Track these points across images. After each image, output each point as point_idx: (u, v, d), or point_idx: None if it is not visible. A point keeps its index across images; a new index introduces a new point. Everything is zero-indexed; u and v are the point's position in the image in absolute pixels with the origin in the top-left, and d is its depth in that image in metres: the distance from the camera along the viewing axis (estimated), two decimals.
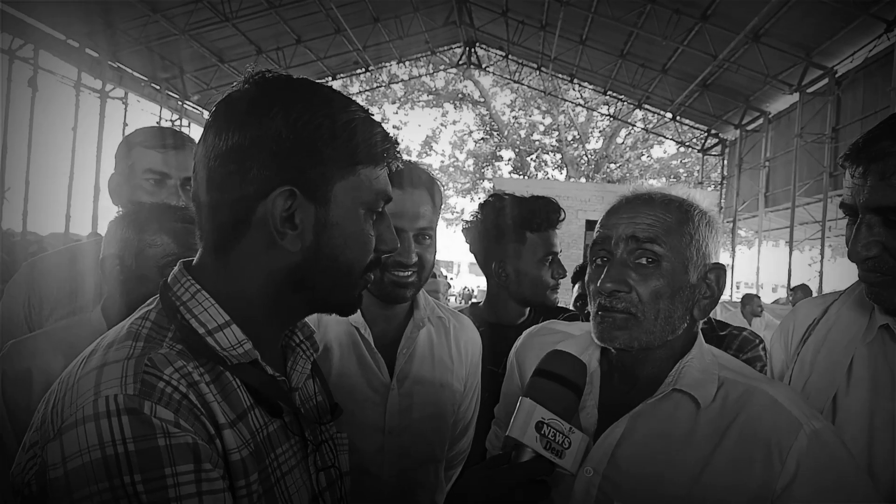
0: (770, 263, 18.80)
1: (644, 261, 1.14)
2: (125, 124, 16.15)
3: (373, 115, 0.95)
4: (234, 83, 0.92)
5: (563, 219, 2.16)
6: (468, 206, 27.86)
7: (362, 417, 1.60)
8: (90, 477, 0.70)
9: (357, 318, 1.66)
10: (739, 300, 8.73)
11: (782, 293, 15.72)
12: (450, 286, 14.62)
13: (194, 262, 0.94)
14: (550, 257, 2.14)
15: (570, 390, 1.07)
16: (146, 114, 17.45)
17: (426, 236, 1.62)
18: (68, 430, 0.72)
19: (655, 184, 26.72)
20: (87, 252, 1.87)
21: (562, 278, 2.14)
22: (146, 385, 0.75)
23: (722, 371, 1.17)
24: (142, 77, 16.27)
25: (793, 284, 12.50)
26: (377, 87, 25.46)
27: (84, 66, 14.21)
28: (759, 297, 8.77)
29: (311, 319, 1.65)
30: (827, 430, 1.07)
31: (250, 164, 0.86)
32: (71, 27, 13.14)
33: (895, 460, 1.26)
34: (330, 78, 19.86)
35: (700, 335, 1.21)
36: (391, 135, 0.96)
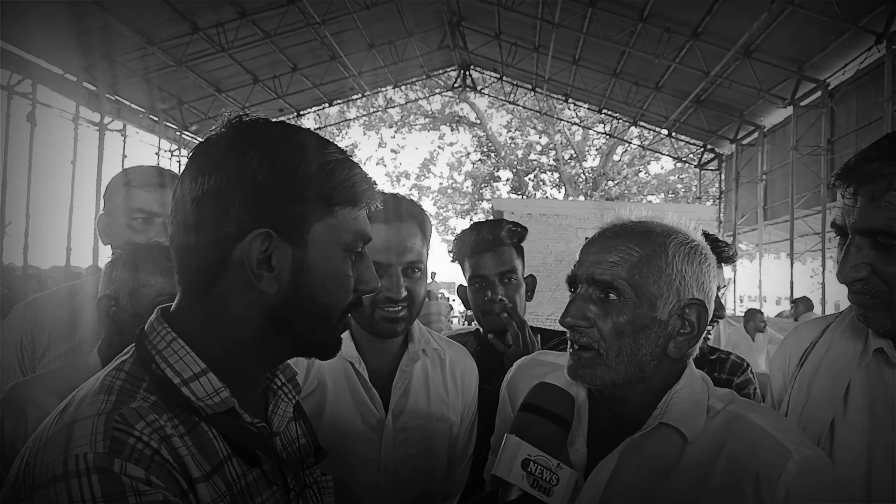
0: (772, 276, 18.77)
1: (605, 296, 1.11)
2: (124, 156, 16.24)
3: (351, 156, 0.95)
4: (213, 128, 0.93)
5: (496, 243, 2.06)
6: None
7: (357, 453, 1.58)
8: None
9: (351, 352, 1.65)
10: (743, 315, 8.67)
11: (786, 305, 15.66)
12: (451, 308, 14.57)
13: (172, 307, 0.93)
14: (479, 282, 2.08)
15: (557, 424, 1.05)
16: (145, 145, 17.54)
17: (415, 269, 1.61)
18: (39, 490, 0.71)
19: (655, 200, 26.87)
20: (79, 292, 1.87)
21: (494, 302, 2.03)
22: (116, 442, 0.74)
23: (710, 400, 1.15)
24: (140, 109, 16.37)
25: (795, 297, 12.46)
26: (374, 111, 25.63)
27: (82, 100, 14.32)
28: (762, 313, 8.71)
29: None
30: (817, 458, 1.05)
31: (227, 206, 0.85)
32: (68, 61, 13.26)
33: (893, 488, 1.24)
34: (327, 104, 20.02)
35: (690, 365, 1.19)
36: (369, 176, 0.96)
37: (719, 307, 1.84)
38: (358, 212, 0.94)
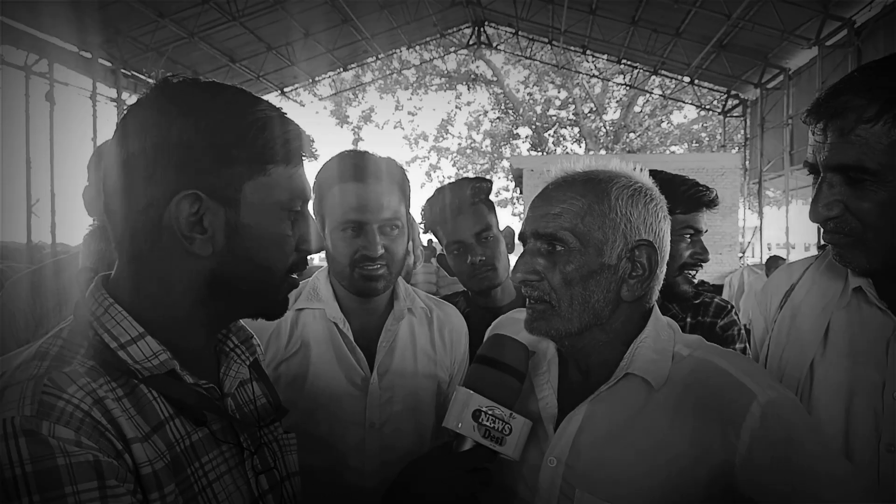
0: (801, 223, 18.40)
1: (552, 248, 1.11)
2: None
3: (285, 113, 0.94)
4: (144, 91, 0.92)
5: (464, 204, 2.02)
6: None
7: (342, 412, 1.61)
8: None
9: (335, 312, 1.66)
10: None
11: (814, 252, 15.36)
12: None
13: (112, 275, 0.94)
14: (457, 247, 2.06)
15: (510, 375, 1.05)
16: None
17: (392, 227, 1.60)
18: None
19: (678, 150, 26.37)
20: (67, 266, 1.90)
21: (475, 264, 2.02)
22: (44, 405, 0.75)
23: (676, 346, 1.14)
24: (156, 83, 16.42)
25: (823, 243, 12.22)
26: (389, 74, 25.39)
27: (98, 77, 14.40)
28: (784, 260, 8.58)
29: (289, 317, 1.66)
30: (783, 399, 1.04)
31: (153, 169, 0.85)
32: (82, 38, 13.31)
33: (872, 427, 1.22)
34: (341, 69, 19.85)
35: (655, 312, 1.18)
36: (305, 133, 0.95)
37: (703, 251, 1.82)
38: (293, 169, 0.93)
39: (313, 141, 0.96)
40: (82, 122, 14.67)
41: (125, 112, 0.91)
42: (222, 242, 0.89)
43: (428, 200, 2.14)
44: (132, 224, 0.88)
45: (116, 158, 0.87)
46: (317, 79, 19.89)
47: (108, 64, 14.54)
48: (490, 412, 1.01)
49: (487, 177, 27.77)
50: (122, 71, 14.88)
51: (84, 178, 1.98)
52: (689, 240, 1.79)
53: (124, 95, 15.20)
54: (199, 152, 0.85)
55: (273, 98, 18.29)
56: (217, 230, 0.88)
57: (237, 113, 0.88)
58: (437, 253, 2.23)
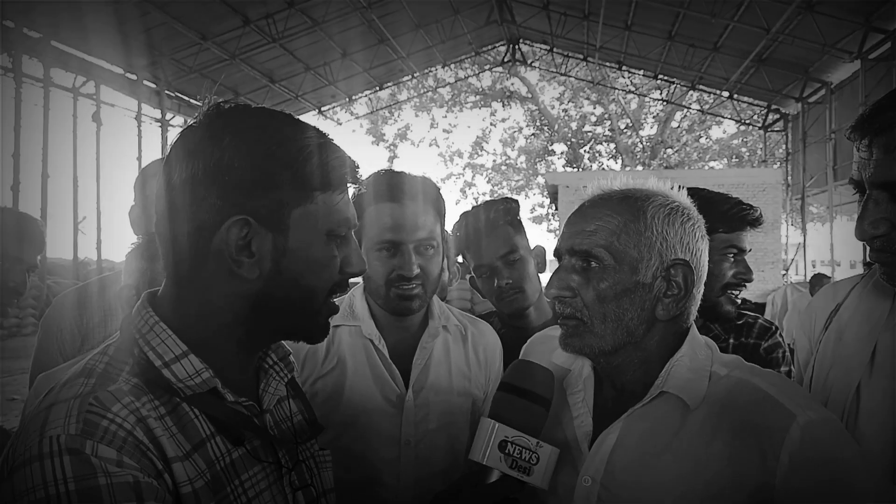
0: (845, 239, 17.94)
1: (586, 265, 1.10)
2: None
3: (332, 139, 0.95)
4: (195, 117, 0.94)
5: (489, 228, 2.01)
6: (523, 203, 27.71)
7: (377, 429, 1.61)
8: None
9: (371, 330, 1.67)
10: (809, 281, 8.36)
11: (860, 269, 14.96)
12: None
13: (158, 293, 0.96)
14: (485, 271, 2.04)
15: (536, 403, 1.04)
16: None
17: (428, 247, 1.61)
18: (18, 470, 0.75)
19: (717, 166, 25.97)
20: (112, 284, 1.95)
21: (502, 288, 2.00)
22: (88, 424, 0.77)
23: (714, 366, 1.12)
24: (198, 104, 16.85)
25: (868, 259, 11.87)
26: (425, 92, 25.61)
27: (143, 98, 14.85)
28: (829, 278, 8.38)
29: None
30: (824, 421, 1.00)
31: (204, 194, 0.87)
32: (128, 60, 13.76)
33: None
34: (378, 88, 20.12)
35: (692, 332, 1.16)
36: (351, 159, 0.96)
37: (746, 270, 1.77)
38: (339, 196, 0.94)
39: (359, 167, 0.97)
40: (128, 141, 15.19)
41: (177, 137, 0.93)
42: (269, 266, 0.90)
43: (455, 224, 2.14)
44: (181, 246, 0.90)
45: (167, 182, 0.90)
46: (354, 97, 20.19)
47: (153, 85, 15.00)
48: (516, 442, 1.00)
49: (523, 193, 27.81)
50: (167, 92, 15.33)
51: (129, 196, 2.04)
52: (732, 259, 1.76)
53: (168, 116, 15.65)
54: (249, 178, 0.87)
55: (311, 116, 18.62)
56: (264, 254, 0.90)
57: (285, 140, 0.90)
58: (469, 275, 2.24)
